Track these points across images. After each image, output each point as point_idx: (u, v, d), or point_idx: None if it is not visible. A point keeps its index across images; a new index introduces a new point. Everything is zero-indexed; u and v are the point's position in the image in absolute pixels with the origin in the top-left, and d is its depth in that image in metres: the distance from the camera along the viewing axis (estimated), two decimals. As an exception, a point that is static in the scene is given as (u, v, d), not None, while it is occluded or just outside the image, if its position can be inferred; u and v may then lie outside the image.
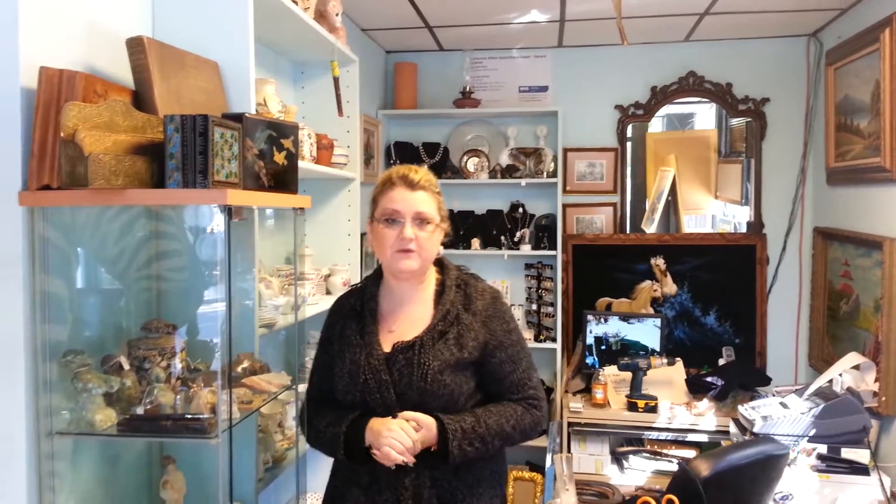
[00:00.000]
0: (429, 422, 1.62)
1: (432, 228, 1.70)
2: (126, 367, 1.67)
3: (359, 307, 1.78)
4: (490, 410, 1.69)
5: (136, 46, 1.71)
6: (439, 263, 1.83)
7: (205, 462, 1.87)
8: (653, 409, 3.34)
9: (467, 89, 4.08)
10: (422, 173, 1.73)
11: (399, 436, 1.59)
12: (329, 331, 1.83)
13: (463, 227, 4.09)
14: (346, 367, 1.70)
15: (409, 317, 1.75)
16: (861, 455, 2.61)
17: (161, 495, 1.84)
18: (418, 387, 1.64)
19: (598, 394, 3.44)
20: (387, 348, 1.70)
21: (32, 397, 1.57)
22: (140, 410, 1.62)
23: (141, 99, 1.72)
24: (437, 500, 1.64)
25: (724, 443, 2.97)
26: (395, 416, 1.63)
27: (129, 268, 1.89)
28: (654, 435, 3.32)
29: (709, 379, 3.54)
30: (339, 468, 1.80)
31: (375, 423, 1.64)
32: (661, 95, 4.07)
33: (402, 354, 1.67)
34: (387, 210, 1.70)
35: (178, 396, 1.64)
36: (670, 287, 4.00)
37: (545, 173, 3.97)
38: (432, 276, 1.80)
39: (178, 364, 1.77)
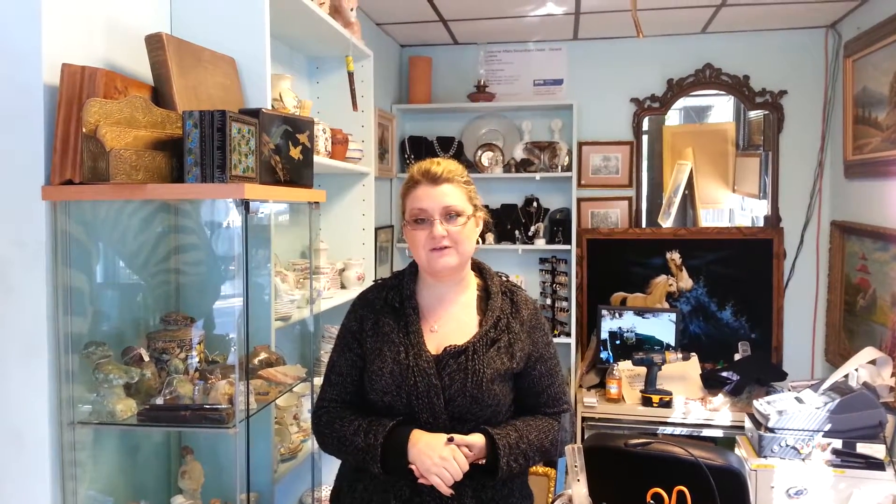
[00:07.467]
0: (479, 442, 1.53)
1: (464, 221, 1.61)
2: (146, 358, 1.71)
3: (397, 303, 1.65)
4: (530, 425, 1.62)
5: (154, 43, 1.73)
6: (478, 268, 1.75)
7: (222, 453, 1.90)
8: (667, 405, 3.33)
9: (482, 83, 4.08)
10: (444, 165, 1.63)
11: (452, 467, 1.47)
12: (357, 326, 1.66)
13: (477, 222, 4.10)
14: (388, 366, 1.57)
15: (452, 318, 1.65)
16: (877, 450, 2.59)
17: (179, 485, 1.87)
18: (471, 394, 1.55)
19: (613, 389, 3.45)
20: (432, 349, 1.59)
21: (55, 388, 1.60)
22: (159, 401, 1.65)
23: (160, 95, 1.74)
24: None
25: (738, 438, 2.97)
26: (449, 440, 1.51)
27: (149, 261, 1.92)
28: (668, 430, 3.31)
29: (724, 374, 3.53)
30: (365, 476, 1.61)
31: (423, 444, 1.50)
32: (678, 88, 4.05)
33: (454, 359, 1.57)
34: (413, 210, 1.61)
35: (197, 387, 1.67)
36: (686, 281, 3.99)
37: (560, 167, 3.97)
38: (472, 278, 1.72)
39: (196, 356, 1.80)
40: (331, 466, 2.39)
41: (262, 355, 1.93)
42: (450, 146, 4.14)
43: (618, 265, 4.05)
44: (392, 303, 1.66)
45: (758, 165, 4.07)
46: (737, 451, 2.84)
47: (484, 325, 1.63)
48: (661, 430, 3.32)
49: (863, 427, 2.64)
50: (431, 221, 1.59)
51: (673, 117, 4.27)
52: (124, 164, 1.48)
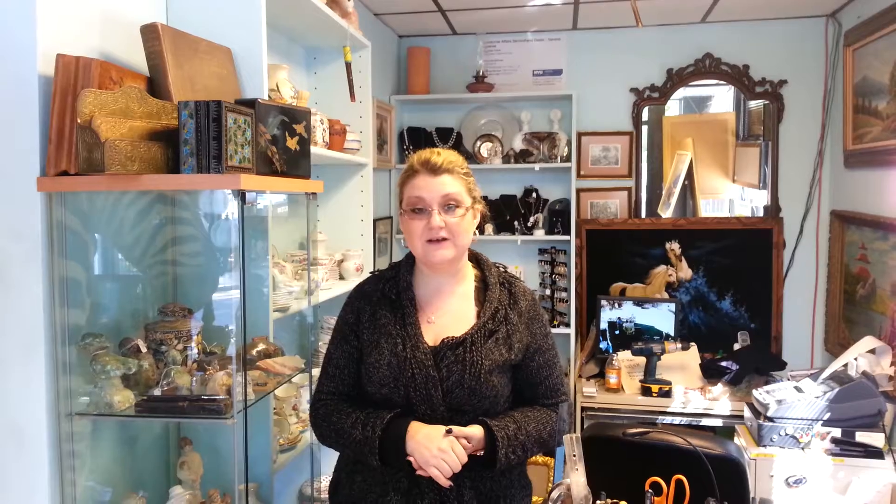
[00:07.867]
0: (478, 433, 1.53)
1: (462, 212, 1.59)
2: (143, 349, 1.71)
3: (393, 294, 1.64)
4: (528, 416, 1.62)
5: (150, 33, 1.72)
6: (476, 259, 1.73)
7: (221, 443, 1.90)
8: (667, 394, 3.34)
9: (480, 73, 4.06)
10: (444, 155, 1.61)
11: (451, 459, 1.47)
12: (354, 318, 1.66)
13: (476, 213, 4.10)
14: (385, 358, 1.57)
15: (449, 310, 1.65)
16: (876, 439, 2.60)
17: (178, 475, 1.88)
18: (469, 386, 1.54)
19: (612, 379, 3.45)
20: (430, 341, 1.59)
21: (52, 380, 1.61)
22: (157, 392, 1.65)
23: (155, 85, 1.73)
24: (478, 502, 1.57)
25: (738, 427, 2.97)
26: (447, 432, 1.50)
27: (146, 253, 1.92)
28: (667, 420, 3.32)
29: (723, 363, 3.53)
30: (363, 468, 1.61)
31: (421, 436, 1.50)
32: (677, 78, 4.03)
33: (451, 351, 1.56)
34: (411, 199, 1.59)
35: (195, 378, 1.67)
36: (685, 272, 3.98)
37: (559, 158, 3.96)
38: (470, 269, 1.71)
39: (194, 347, 1.80)
40: (330, 457, 2.40)
41: (261, 346, 1.94)
42: (448, 137, 4.13)
43: (617, 255, 4.04)
44: (389, 294, 1.65)
45: (757, 155, 4.06)
46: (736, 440, 2.85)
47: (482, 316, 1.62)
48: (661, 419, 3.33)
49: (862, 416, 2.64)
50: (429, 212, 1.58)
51: (673, 107, 4.26)
52: (119, 155, 1.47)
